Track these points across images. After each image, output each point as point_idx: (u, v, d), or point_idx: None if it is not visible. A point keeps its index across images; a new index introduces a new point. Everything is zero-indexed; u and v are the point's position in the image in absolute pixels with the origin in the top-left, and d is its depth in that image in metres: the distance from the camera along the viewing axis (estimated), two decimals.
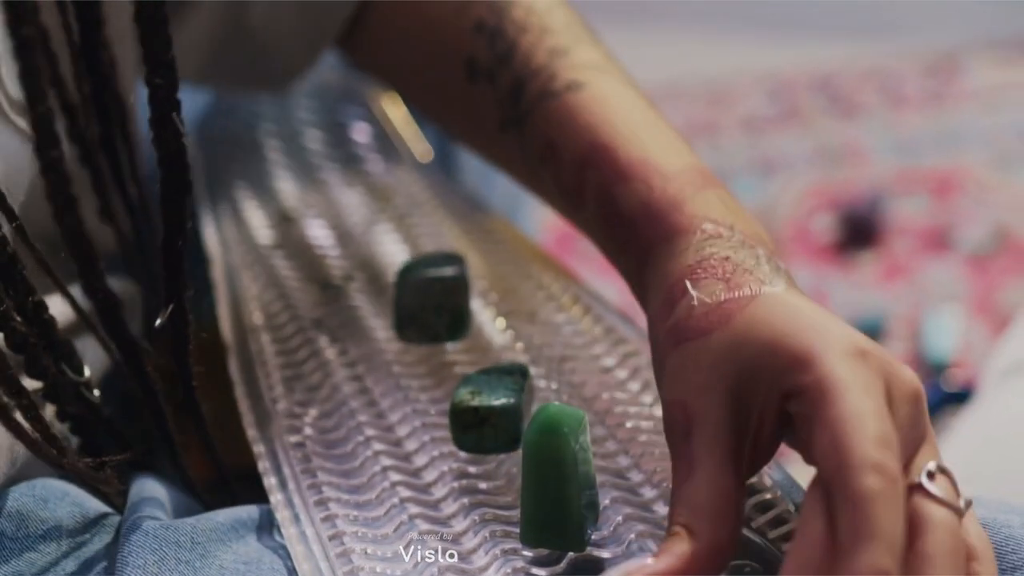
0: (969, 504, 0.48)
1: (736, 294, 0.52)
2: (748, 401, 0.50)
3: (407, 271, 0.67)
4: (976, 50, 1.67)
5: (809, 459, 0.48)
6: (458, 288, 0.66)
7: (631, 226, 0.59)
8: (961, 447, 0.94)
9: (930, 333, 1.17)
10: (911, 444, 0.48)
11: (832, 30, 1.78)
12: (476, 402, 0.58)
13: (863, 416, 0.45)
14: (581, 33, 0.67)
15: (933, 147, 1.50)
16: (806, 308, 0.50)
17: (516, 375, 0.60)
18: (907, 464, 0.48)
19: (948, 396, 1.09)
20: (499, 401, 0.58)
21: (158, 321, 0.58)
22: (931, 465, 0.48)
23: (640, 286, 0.59)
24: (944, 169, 1.44)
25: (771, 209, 1.40)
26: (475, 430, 0.58)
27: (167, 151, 0.55)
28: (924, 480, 0.47)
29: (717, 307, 0.52)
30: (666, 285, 0.55)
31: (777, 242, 1.35)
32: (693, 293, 0.53)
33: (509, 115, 0.66)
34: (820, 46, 1.74)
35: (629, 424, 0.60)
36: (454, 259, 0.68)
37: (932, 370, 1.15)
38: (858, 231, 1.32)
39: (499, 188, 0.93)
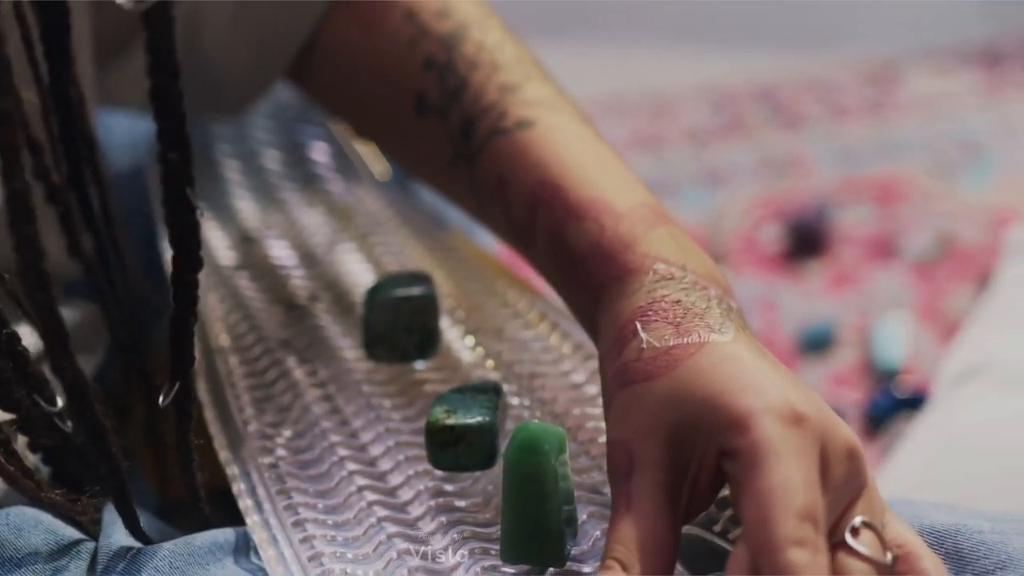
0: (895, 559, 0.50)
1: (684, 340, 0.53)
2: (687, 450, 0.52)
3: (376, 291, 0.67)
4: (914, 59, 1.70)
5: (739, 519, 0.49)
6: (427, 307, 0.67)
7: (582, 265, 0.59)
8: (916, 453, 0.96)
9: (880, 340, 1.19)
10: (844, 500, 0.50)
11: (772, 41, 1.80)
12: (451, 420, 0.58)
13: (789, 488, 0.47)
14: (531, 69, 0.67)
15: (875, 156, 1.52)
16: (750, 363, 0.52)
17: (490, 393, 0.61)
18: (839, 520, 0.50)
19: (900, 402, 1.10)
20: (474, 419, 0.58)
21: (161, 400, 0.57)
22: (856, 521, 0.50)
23: (592, 324, 0.60)
24: (886, 177, 1.46)
25: (717, 220, 1.42)
26: (451, 448, 0.58)
27: (179, 227, 0.54)
28: (848, 538, 0.50)
29: (665, 352, 0.53)
30: (616, 325, 0.56)
31: (725, 253, 1.36)
32: (643, 336, 0.54)
33: (460, 151, 0.66)
34: (761, 57, 1.76)
35: (601, 439, 0.61)
36: (422, 278, 0.68)
37: (883, 376, 1.17)
38: (805, 240, 1.34)
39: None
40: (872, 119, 1.61)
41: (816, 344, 1.21)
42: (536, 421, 0.53)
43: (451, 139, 0.66)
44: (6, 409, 0.55)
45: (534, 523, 0.53)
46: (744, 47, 1.81)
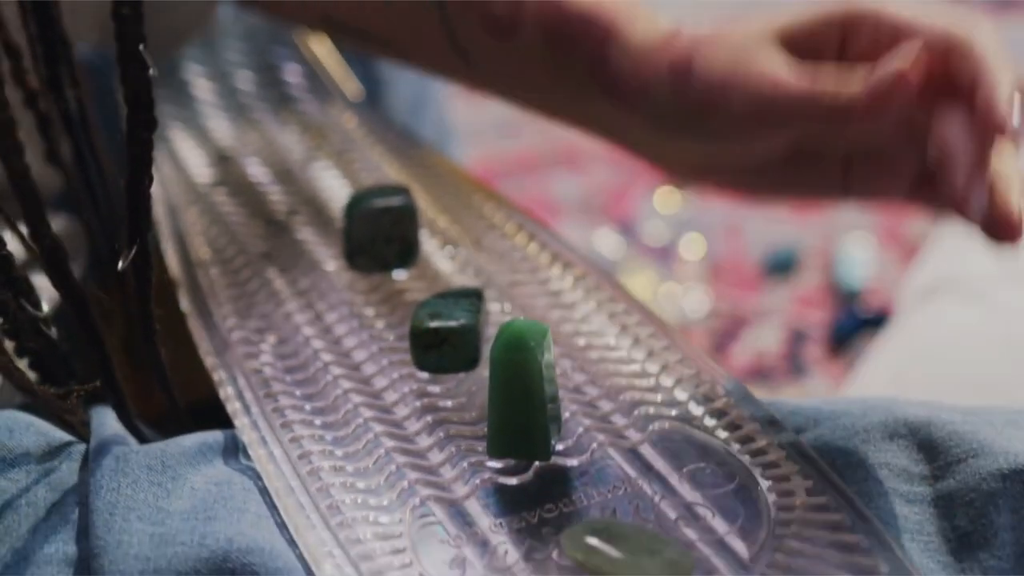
0: None
1: None
2: None
3: (355, 202, 0.68)
4: None
5: None
6: (407, 217, 0.68)
7: (585, 21, 0.63)
8: (882, 366, 0.98)
9: (842, 262, 1.21)
10: None
11: None
12: (435, 323, 0.60)
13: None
14: None
15: None
16: None
17: (472, 298, 0.62)
18: None
19: (864, 322, 1.13)
20: (458, 322, 0.60)
21: (120, 264, 0.57)
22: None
23: (599, 77, 0.64)
24: None
25: None
26: (435, 350, 0.60)
27: (133, 87, 0.55)
28: None
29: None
30: (658, 30, 0.62)
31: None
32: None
33: None
34: None
35: (582, 342, 0.62)
36: (401, 190, 0.69)
37: (846, 297, 1.19)
38: None
39: (428, 125, 0.94)
40: None
41: (781, 267, 1.23)
42: (521, 318, 0.54)
43: None
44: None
45: (520, 418, 0.54)
46: None
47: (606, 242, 1.26)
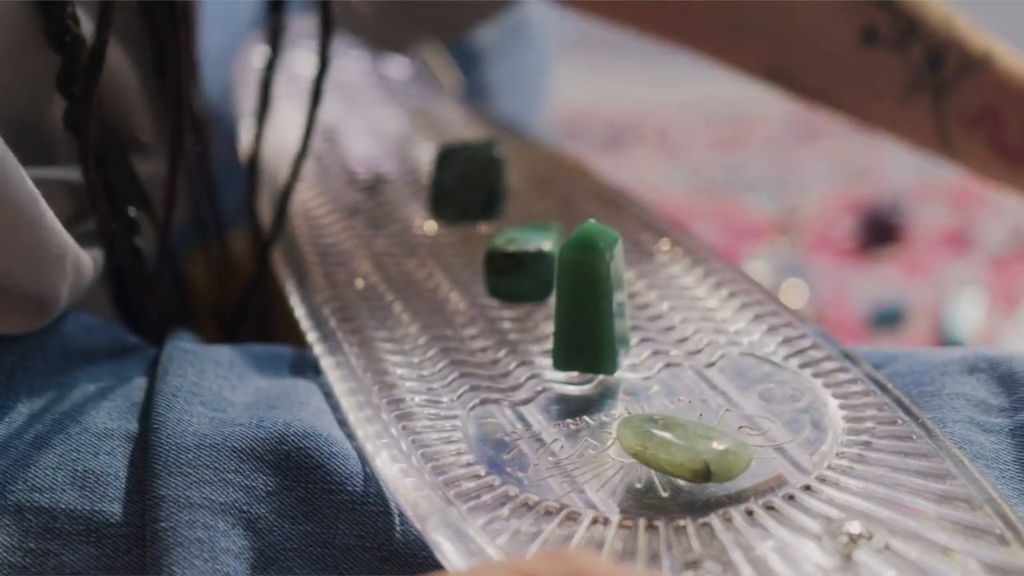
0: None
1: None
2: None
3: (445, 151, 0.69)
4: None
5: None
6: (494, 166, 0.68)
7: None
8: None
9: (952, 315, 1.18)
10: None
11: None
12: (512, 248, 0.59)
13: None
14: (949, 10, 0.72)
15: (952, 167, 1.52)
16: None
17: (552, 230, 0.62)
18: None
19: None
20: (535, 246, 0.59)
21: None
22: None
23: None
24: (963, 182, 1.46)
25: (792, 211, 1.42)
26: (510, 275, 0.59)
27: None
28: None
29: None
30: None
31: (799, 244, 1.35)
32: None
33: (925, 82, 0.71)
34: None
35: (662, 278, 0.61)
36: (490, 142, 0.69)
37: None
38: (879, 232, 1.33)
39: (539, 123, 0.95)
40: None
41: (887, 321, 1.21)
42: (592, 221, 0.53)
43: (913, 70, 0.71)
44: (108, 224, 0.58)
45: (586, 326, 0.53)
46: None
47: None
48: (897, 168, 1.52)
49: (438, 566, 0.45)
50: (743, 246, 1.34)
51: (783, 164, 1.55)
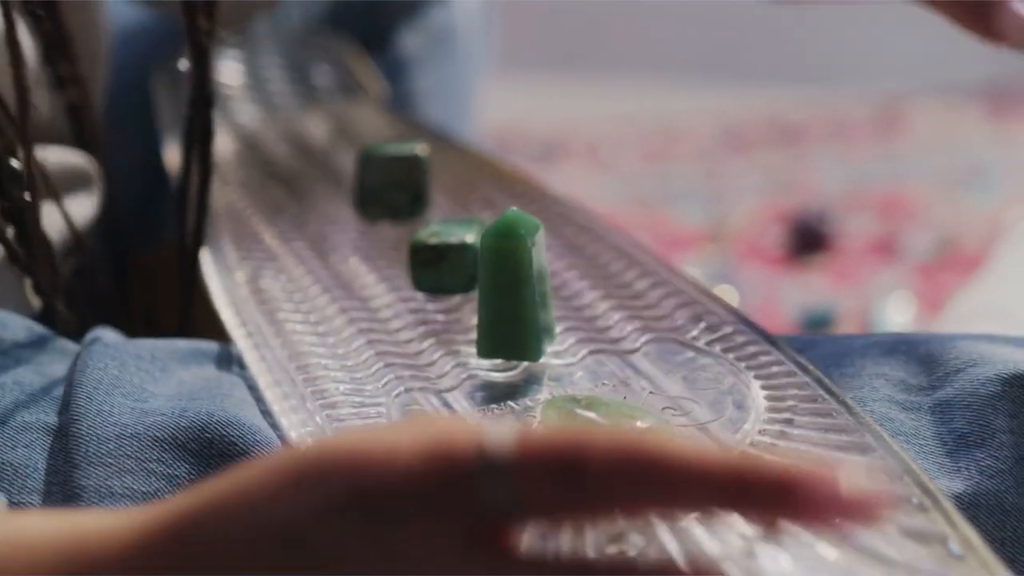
0: None
1: None
2: None
3: (368, 151, 0.69)
4: (922, 96, 1.72)
5: None
6: (418, 165, 0.68)
7: None
8: None
9: (880, 317, 1.19)
10: None
11: (783, 79, 1.83)
12: (434, 240, 0.59)
13: None
14: None
15: (881, 177, 1.53)
16: None
17: (475, 224, 0.62)
18: None
19: None
20: (458, 239, 0.59)
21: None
22: None
23: None
24: (891, 193, 1.48)
25: (720, 221, 1.43)
26: (433, 268, 0.59)
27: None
28: None
29: None
30: None
31: (728, 253, 1.36)
32: None
33: None
34: (772, 93, 1.78)
35: (584, 263, 0.62)
36: (414, 143, 0.69)
37: None
38: (807, 240, 1.34)
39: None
40: (879, 145, 1.63)
41: (816, 325, 1.22)
42: (514, 209, 0.54)
43: None
44: None
45: (510, 313, 0.53)
46: (755, 82, 1.83)
47: None
48: (825, 179, 1.54)
49: None
50: (674, 255, 1.34)
51: (713, 175, 1.57)
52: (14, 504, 0.49)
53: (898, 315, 1.21)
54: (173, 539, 0.37)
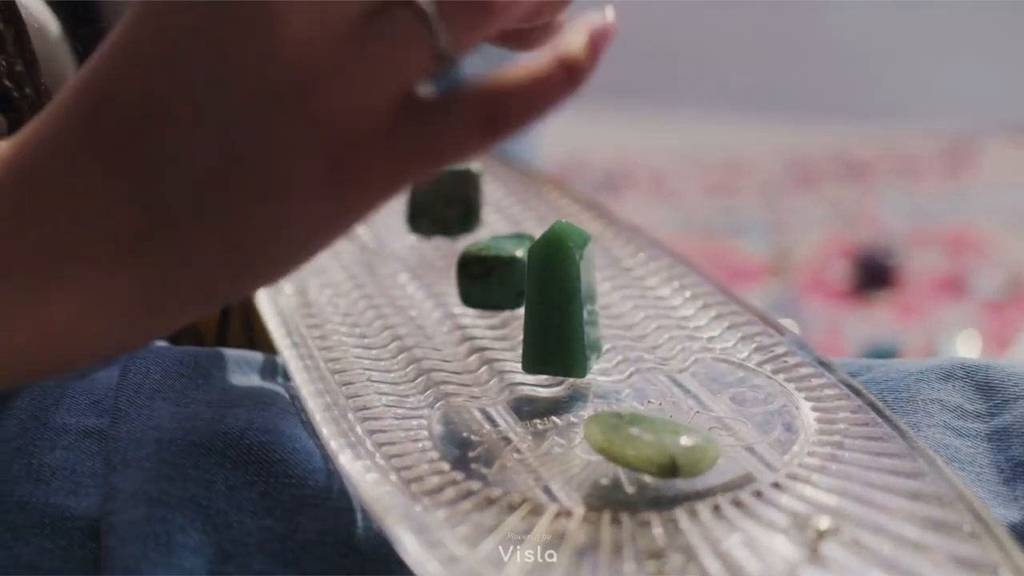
0: None
1: None
2: None
3: None
4: (992, 133, 1.70)
5: None
6: (470, 181, 0.67)
7: None
8: None
9: (947, 351, 1.17)
10: None
11: (850, 114, 1.81)
12: (484, 253, 0.59)
13: None
14: None
15: (948, 213, 1.51)
16: None
17: (525, 240, 0.61)
18: None
19: None
20: (507, 253, 0.59)
21: None
22: None
23: None
24: (958, 230, 1.45)
25: (785, 253, 1.41)
26: (482, 282, 0.58)
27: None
28: None
29: None
30: None
31: (791, 285, 1.34)
32: None
33: None
34: (839, 128, 1.77)
35: (635, 291, 0.61)
36: None
37: None
38: (872, 275, 1.33)
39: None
40: (947, 182, 1.61)
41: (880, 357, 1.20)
42: (563, 221, 0.53)
43: None
44: None
45: (556, 327, 0.52)
46: (821, 117, 1.82)
47: None
48: (891, 214, 1.52)
49: (399, 561, 0.44)
50: (736, 287, 1.33)
51: (777, 208, 1.55)
52: (50, 505, 0.48)
53: (965, 353, 1.18)
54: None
